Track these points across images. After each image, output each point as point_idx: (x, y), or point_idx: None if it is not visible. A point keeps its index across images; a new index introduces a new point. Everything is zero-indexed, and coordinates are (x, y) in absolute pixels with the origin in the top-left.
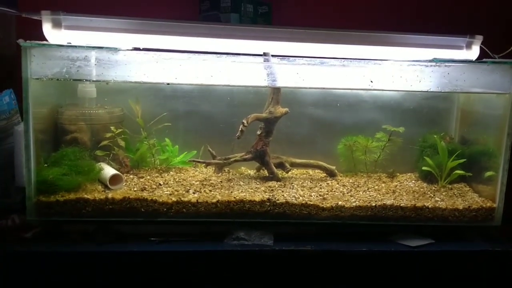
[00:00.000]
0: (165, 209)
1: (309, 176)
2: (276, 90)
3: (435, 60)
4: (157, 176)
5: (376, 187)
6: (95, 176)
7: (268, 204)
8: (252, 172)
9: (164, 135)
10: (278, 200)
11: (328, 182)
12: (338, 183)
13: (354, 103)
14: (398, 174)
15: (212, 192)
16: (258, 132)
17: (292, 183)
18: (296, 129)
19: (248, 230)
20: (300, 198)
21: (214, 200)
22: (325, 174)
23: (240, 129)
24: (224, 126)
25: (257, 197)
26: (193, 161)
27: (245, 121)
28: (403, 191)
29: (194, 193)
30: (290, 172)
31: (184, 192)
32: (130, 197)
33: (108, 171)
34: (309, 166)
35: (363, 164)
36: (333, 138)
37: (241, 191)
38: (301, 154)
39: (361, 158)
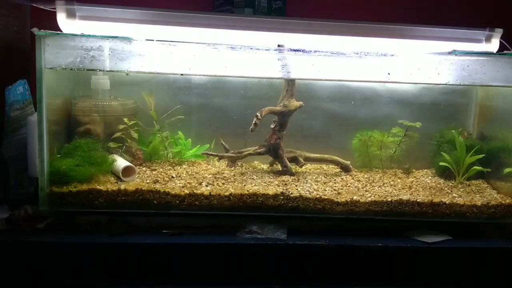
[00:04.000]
0: (177, 202)
1: (324, 171)
2: (291, 83)
3: (454, 52)
4: (170, 169)
5: (391, 182)
6: (108, 167)
7: (281, 197)
8: (265, 167)
9: (177, 128)
10: (291, 194)
11: (342, 177)
12: (353, 178)
13: (370, 97)
14: (414, 170)
15: (225, 185)
16: (272, 126)
17: (306, 178)
18: (311, 123)
19: (261, 224)
20: (314, 192)
21: (227, 193)
22: (339, 169)
23: (254, 122)
24: (238, 119)
25: (271, 191)
26: (206, 154)
27: (258, 114)
28: (419, 186)
29: (207, 185)
30: (304, 167)
31: (196, 184)
32: (143, 189)
33: (121, 163)
34: (323, 160)
35: (379, 159)
36: (348, 133)
37: (254, 185)
38: (315, 149)
39: (376, 153)
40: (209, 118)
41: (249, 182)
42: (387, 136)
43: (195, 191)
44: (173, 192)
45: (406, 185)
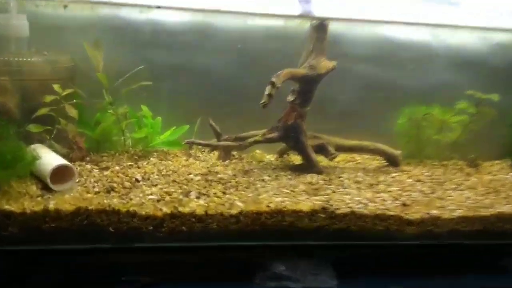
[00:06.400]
0: (150, 228)
1: (357, 163)
2: (320, 33)
3: None
4: (131, 165)
5: (466, 182)
6: (25, 169)
7: (323, 216)
8: (271, 157)
9: (140, 101)
10: (338, 209)
11: (392, 174)
12: (409, 177)
13: (422, 57)
14: (481, 162)
15: (228, 196)
16: (290, 98)
17: (339, 177)
18: (337, 94)
19: (291, 262)
20: (370, 204)
21: (235, 211)
22: (379, 161)
23: (267, 92)
24: (233, 87)
25: (305, 205)
26: (191, 142)
27: (275, 80)
28: (506, 188)
29: (198, 197)
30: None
31: (181, 196)
32: (89, 207)
33: (50, 160)
34: (363, 150)
35: (435, 147)
36: (389, 108)
37: (274, 193)
38: (339, 131)
39: (433, 138)
40: (190, 85)
41: (260, 187)
42: (452, 114)
43: (180, 208)
44: (143, 212)
45: (490, 187)
